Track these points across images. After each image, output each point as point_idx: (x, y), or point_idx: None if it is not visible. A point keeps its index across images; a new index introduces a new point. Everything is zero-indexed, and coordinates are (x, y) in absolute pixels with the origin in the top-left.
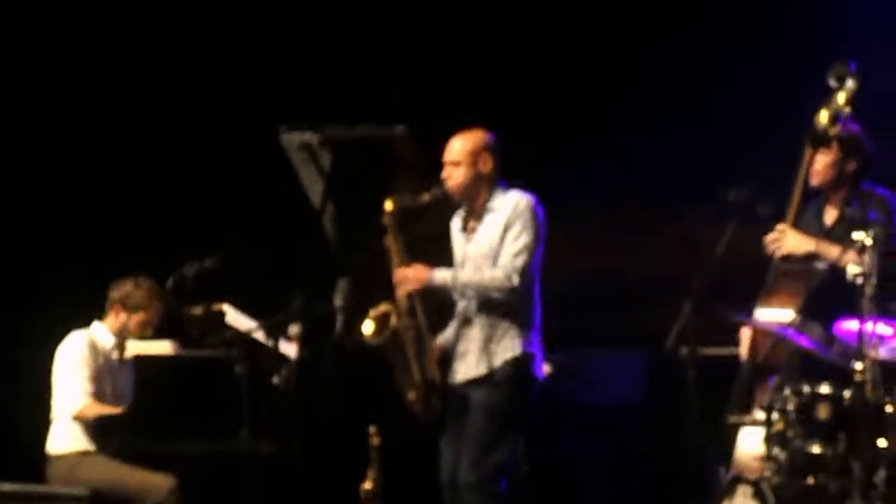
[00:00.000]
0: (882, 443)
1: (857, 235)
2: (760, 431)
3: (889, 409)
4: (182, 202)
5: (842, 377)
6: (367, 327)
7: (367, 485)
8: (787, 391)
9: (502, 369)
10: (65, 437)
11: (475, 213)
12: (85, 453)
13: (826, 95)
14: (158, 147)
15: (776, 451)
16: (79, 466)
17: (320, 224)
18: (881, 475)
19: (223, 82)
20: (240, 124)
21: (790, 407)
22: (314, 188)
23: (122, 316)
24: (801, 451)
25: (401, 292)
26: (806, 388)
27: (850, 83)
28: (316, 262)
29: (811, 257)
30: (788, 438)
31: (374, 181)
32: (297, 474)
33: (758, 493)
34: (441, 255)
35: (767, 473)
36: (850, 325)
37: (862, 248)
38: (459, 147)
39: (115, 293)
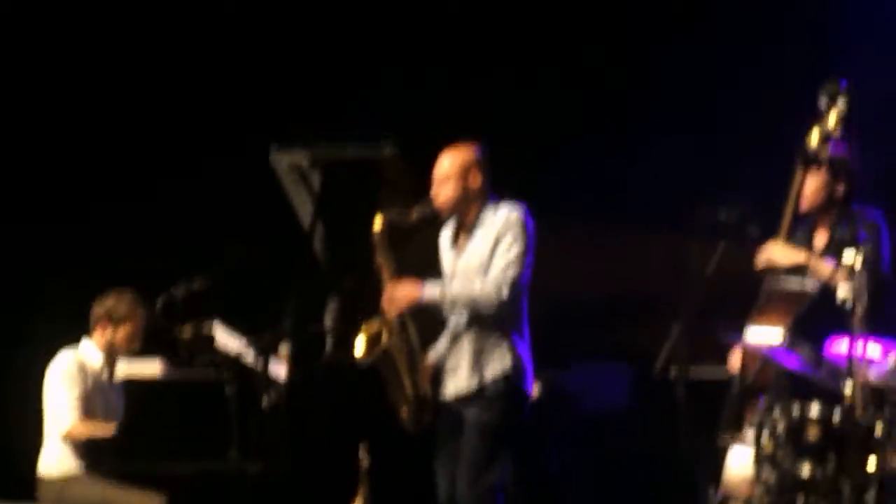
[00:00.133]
0: (871, 464)
1: (847, 256)
2: (750, 452)
3: (878, 430)
4: (171, 220)
5: (831, 398)
6: (359, 346)
7: (358, 501)
8: (776, 412)
9: (494, 384)
10: (55, 459)
11: (465, 229)
12: (75, 477)
13: (817, 115)
14: (156, 155)
15: (766, 471)
16: (69, 489)
17: (310, 244)
18: (871, 496)
19: (213, 98)
20: (233, 141)
21: (780, 428)
22: (304, 208)
23: (109, 330)
24: (791, 472)
25: (391, 310)
26: (795, 409)
27: (842, 103)
28: (306, 281)
29: (801, 272)
30: (778, 459)
31: (364, 201)
32: (287, 494)
33: None
34: (431, 272)
35: (757, 494)
36: (840, 345)
37: (851, 270)
38: (448, 163)
39: (99, 308)
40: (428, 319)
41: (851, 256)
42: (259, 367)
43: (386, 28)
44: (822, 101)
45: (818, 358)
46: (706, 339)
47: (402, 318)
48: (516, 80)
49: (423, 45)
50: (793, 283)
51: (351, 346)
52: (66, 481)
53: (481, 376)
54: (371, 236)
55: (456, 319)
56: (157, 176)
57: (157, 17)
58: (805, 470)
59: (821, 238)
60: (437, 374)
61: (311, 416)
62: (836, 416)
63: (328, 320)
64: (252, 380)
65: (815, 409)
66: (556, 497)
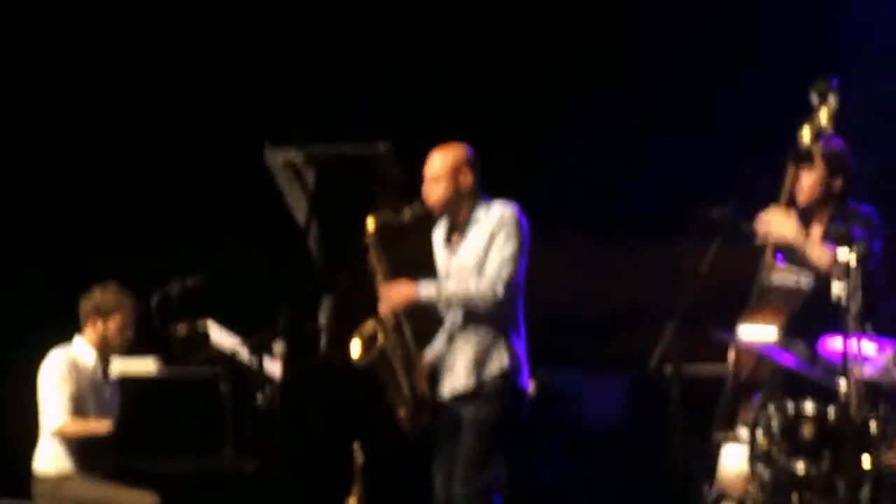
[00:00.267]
0: (866, 460)
1: (842, 252)
2: (744, 449)
3: (873, 427)
4: (166, 219)
5: (826, 395)
6: (355, 347)
7: (351, 502)
8: (771, 409)
9: (491, 383)
10: (49, 457)
11: (458, 228)
12: (69, 475)
13: (808, 112)
14: (143, 164)
15: (760, 469)
16: (63, 487)
17: (305, 242)
18: (865, 493)
19: (208, 98)
20: (228, 140)
21: (774, 425)
22: (299, 206)
23: (100, 324)
24: (786, 470)
25: (386, 309)
26: (790, 407)
27: (832, 100)
28: (301, 280)
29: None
30: (773, 456)
31: (358, 199)
32: (281, 492)
33: None
34: (426, 272)
35: (752, 491)
36: (835, 342)
37: (846, 267)
38: (439, 162)
39: (87, 304)
40: (423, 319)
41: (846, 253)
42: (253, 365)
43: (383, 28)
44: (813, 99)
45: (813, 355)
46: (700, 338)
47: (398, 317)
48: (513, 81)
49: (421, 46)
50: (787, 280)
51: (345, 345)
52: (60, 479)
53: (479, 375)
54: (365, 235)
55: (452, 318)
56: (152, 175)
57: (156, 16)
58: (800, 467)
59: (816, 232)
60: (434, 374)
61: (305, 414)
62: (831, 414)
63: (322, 319)
64: (247, 378)
65: (809, 407)
66: (550, 497)
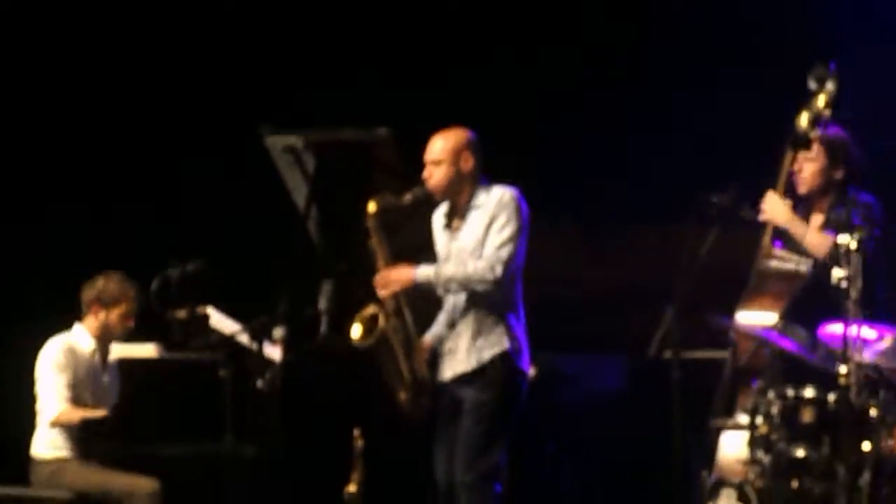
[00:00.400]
0: (866, 446)
1: (842, 239)
2: (742, 434)
3: (873, 412)
4: (166, 204)
5: (826, 381)
6: (356, 331)
7: (352, 487)
8: (771, 394)
9: (492, 365)
10: (47, 443)
11: (459, 212)
12: (67, 460)
13: (806, 98)
14: (142, 149)
15: (760, 454)
16: (61, 471)
17: (305, 227)
18: (865, 478)
19: (206, 82)
20: (223, 125)
21: (774, 410)
22: (298, 191)
23: (102, 314)
24: (786, 455)
25: (386, 293)
26: (790, 392)
27: (830, 85)
28: (301, 264)
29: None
30: (772, 442)
31: (358, 184)
32: (281, 477)
33: (742, 497)
34: (426, 255)
35: (751, 477)
36: (835, 328)
37: (847, 252)
38: (440, 146)
39: (89, 292)
40: (423, 303)
41: (847, 240)
42: (254, 348)
43: (381, 17)
44: (812, 84)
45: (813, 341)
46: (699, 324)
47: (398, 301)
48: (512, 64)
49: (420, 30)
50: (785, 266)
51: (345, 329)
52: (58, 464)
53: (479, 357)
54: (365, 220)
55: (452, 301)
56: (151, 160)
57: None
58: (799, 452)
59: (817, 220)
60: (434, 358)
61: (305, 398)
62: (831, 399)
63: (322, 303)
64: (247, 362)
65: (809, 392)
66: (550, 481)
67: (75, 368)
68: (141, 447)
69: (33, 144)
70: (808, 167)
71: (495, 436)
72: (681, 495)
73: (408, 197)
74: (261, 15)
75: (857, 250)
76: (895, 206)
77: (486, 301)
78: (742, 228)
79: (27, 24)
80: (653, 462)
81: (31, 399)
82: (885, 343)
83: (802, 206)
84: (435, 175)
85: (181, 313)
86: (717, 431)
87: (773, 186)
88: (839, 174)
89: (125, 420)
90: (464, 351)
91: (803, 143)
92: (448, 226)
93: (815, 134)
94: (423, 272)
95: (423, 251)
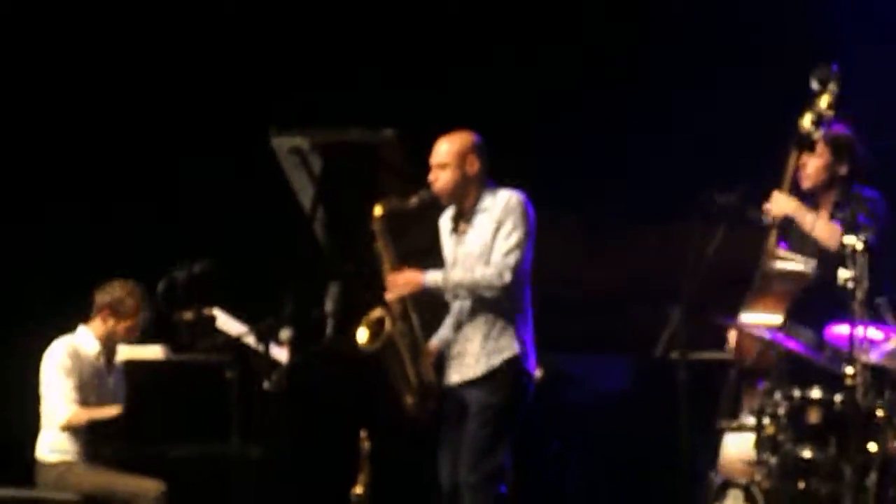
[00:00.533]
0: (872, 447)
1: (848, 240)
2: (745, 435)
3: (880, 412)
4: (172, 205)
5: (832, 381)
6: (362, 335)
7: (358, 489)
8: (777, 395)
9: (499, 371)
10: (53, 446)
11: (465, 215)
12: (73, 462)
13: (809, 99)
14: (147, 150)
15: (767, 455)
16: (67, 473)
17: (311, 228)
18: (872, 479)
19: (210, 82)
20: (229, 127)
21: (781, 411)
22: (305, 192)
23: (111, 322)
24: (792, 456)
25: (393, 297)
26: (797, 393)
27: (833, 86)
28: (307, 266)
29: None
30: (779, 443)
31: (364, 186)
32: (288, 478)
33: (749, 498)
34: (433, 260)
35: (758, 478)
36: (841, 329)
37: (852, 251)
38: (445, 149)
39: (105, 298)
40: (429, 306)
41: (853, 240)
42: (260, 350)
43: (382, 18)
44: (814, 85)
45: (819, 341)
46: (705, 325)
47: (405, 305)
48: (515, 65)
49: (424, 31)
50: (790, 266)
51: (351, 332)
52: (64, 466)
53: (489, 362)
54: (372, 222)
55: (459, 306)
56: (157, 161)
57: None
58: (806, 453)
59: (822, 217)
60: (441, 361)
61: (312, 401)
62: (838, 400)
63: (329, 305)
64: (253, 364)
65: (816, 393)
66: (555, 481)
67: (80, 371)
68: (147, 448)
69: (37, 144)
70: (812, 163)
71: (500, 438)
72: (687, 496)
73: (414, 200)
74: (264, 16)
75: (863, 251)
76: (895, 205)
77: (495, 305)
78: (748, 229)
79: (29, 24)
80: (658, 462)
81: (33, 401)
82: (892, 344)
83: (808, 203)
84: (441, 178)
85: (188, 314)
86: (723, 433)
87: (779, 187)
88: (843, 170)
89: (131, 422)
90: (472, 356)
91: (807, 144)
92: (455, 230)
93: (819, 135)
94: (432, 277)
95: (430, 255)
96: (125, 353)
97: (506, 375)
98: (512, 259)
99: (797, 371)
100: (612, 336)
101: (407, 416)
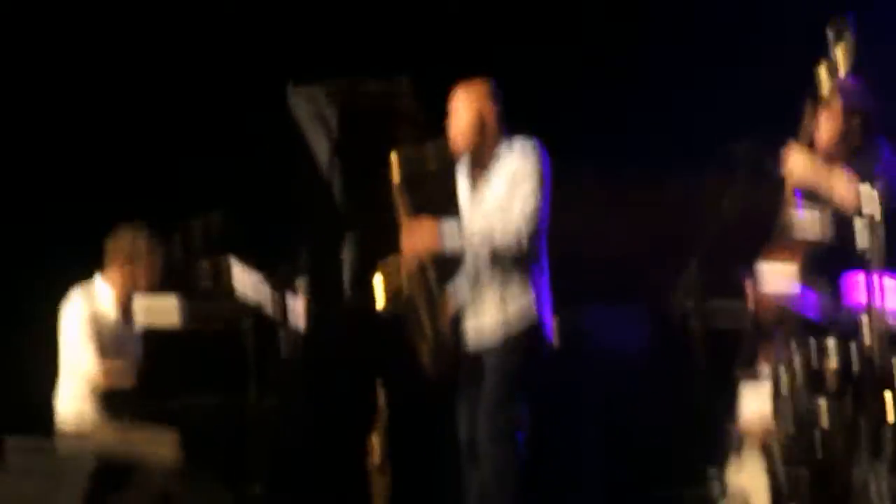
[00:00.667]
0: (888, 396)
1: (864, 189)
2: (765, 388)
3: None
4: (187, 158)
5: (848, 336)
6: (379, 286)
7: (374, 440)
8: (793, 346)
9: (517, 325)
10: (71, 401)
11: (481, 165)
12: (89, 416)
13: (825, 51)
14: (162, 102)
15: (783, 406)
16: (84, 426)
17: (327, 179)
18: (888, 432)
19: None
20: (242, 82)
21: (797, 363)
22: (320, 145)
23: (127, 270)
24: (808, 405)
25: (410, 254)
26: (812, 342)
27: (848, 37)
28: (323, 217)
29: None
30: (795, 392)
31: (381, 135)
32: (303, 428)
33: (765, 449)
34: (448, 209)
35: (774, 429)
36: (857, 286)
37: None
38: (462, 99)
39: (115, 247)
40: (445, 260)
41: (868, 192)
42: (277, 314)
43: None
44: (829, 37)
45: (835, 303)
46: (723, 275)
47: (421, 259)
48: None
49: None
50: (808, 217)
51: (368, 284)
52: (82, 420)
53: (504, 318)
54: (388, 173)
55: (473, 260)
56: (173, 114)
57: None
58: (822, 402)
59: (838, 171)
60: (459, 316)
61: (328, 357)
62: (853, 349)
63: (346, 256)
64: (270, 323)
65: (831, 342)
66: (571, 435)
67: (100, 331)
68: (163, 399)
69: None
70: (825, 120)
71: (518, 389)
72: (704, 447)
73: (430, 149)
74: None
75: (880, 202)
76: None
77: (511, 262)
78: (766, 179)
79: (31, 23)
80: (676, 416)
81: (48, 349)
82: None
83: (823, 160)
84: (457, 127)
85: (203, 263)
86: (741, 384)
87: (798, 139)
88: (856, 121)
89: (147, 382)
90: (488, 313)
91: (823, 95)
92: (470, 180)
93: (835, 86)
94: (451, 241)
95: (446, 204)
96: (141, 303)
97: (522, 331)
98: (530, 226)
99: (813, 326)
100: (629, 290)
101: (424, 369)
